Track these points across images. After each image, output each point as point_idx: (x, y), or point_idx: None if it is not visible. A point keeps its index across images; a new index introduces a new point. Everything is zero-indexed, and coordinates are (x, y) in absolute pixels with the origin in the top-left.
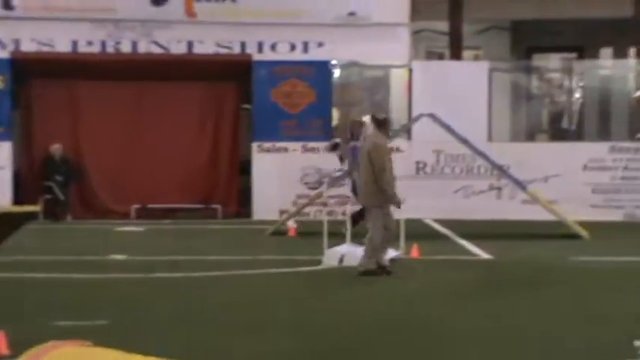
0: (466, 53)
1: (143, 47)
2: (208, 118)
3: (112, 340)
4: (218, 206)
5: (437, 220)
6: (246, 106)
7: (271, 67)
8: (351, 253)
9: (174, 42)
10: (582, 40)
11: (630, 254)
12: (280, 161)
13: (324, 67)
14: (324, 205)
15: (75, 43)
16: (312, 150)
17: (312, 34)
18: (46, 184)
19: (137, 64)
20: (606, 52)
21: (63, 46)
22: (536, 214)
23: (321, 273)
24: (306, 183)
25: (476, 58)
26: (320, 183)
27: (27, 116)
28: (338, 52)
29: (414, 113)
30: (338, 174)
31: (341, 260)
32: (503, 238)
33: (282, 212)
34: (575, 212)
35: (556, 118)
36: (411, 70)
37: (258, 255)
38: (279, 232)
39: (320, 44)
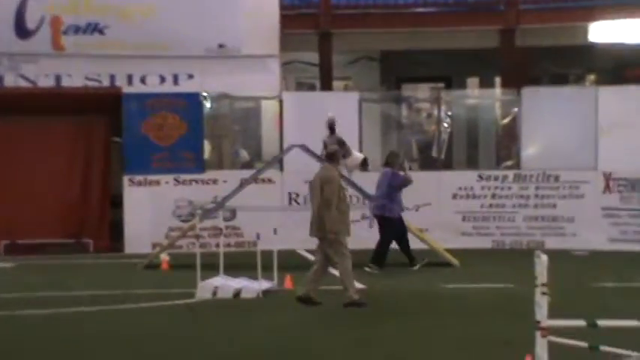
0: (336, 84)
1: (10, 81)
2: (78, 152)
3: None
4: (89, 241)
5: (309, 251)
6: (117, 139)
7: (141, 100)
8: (224, 285)
9: (42, 76)
10: (449, 70)
11: (499, 281)
12: (152, 194)
13: (194, 99)
14: (197, 237)
15: None
16: (184, 182)
17: (182, 66)
18: None
19: (4, 98)
20: (473, 81)
21: None
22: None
23: (195, 306)
24: (178, 216)
25: (346, 88)
26: (192, 215)
27: None
28: (208, 84)
29: (285, 144)
30: (210, 206)
31: (214, 293)
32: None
33: (154, 245)
34: (446, 240)
35: (425, 147)
36: (281, 101)
37: (130, 289)
38: (152, 266)
39: (190, 76)
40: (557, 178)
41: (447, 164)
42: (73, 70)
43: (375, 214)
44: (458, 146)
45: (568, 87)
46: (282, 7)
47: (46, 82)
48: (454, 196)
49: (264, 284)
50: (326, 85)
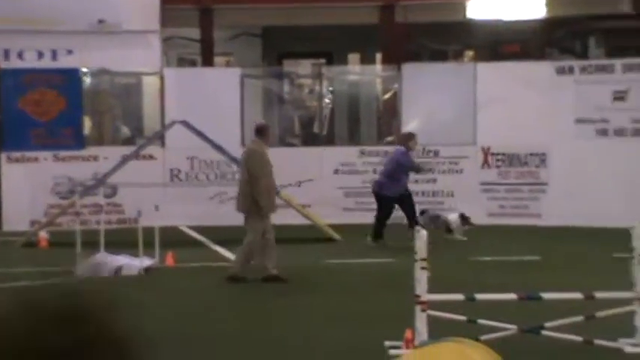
0: (218, 60)
1: None
2: None
3: None
4: None
5: (192, 227)
6: None
7: (19, 76)
8: (105, 262)
9: None
10: (330, 46)
11: (381, 256)
12: (30, 171)
13: (73, 74)
14: (77, 214)
15: None
16: (64, 159)
17: (61, 41)
18: None
19: None
20: (354, 57)
21: None
22: (290, 218)
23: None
24: (57, 193)
25: (227, 64)
26: (72, 192)
27: None
28: (88, 60)
29: (167, 120)
30: (90, 183)
31: (95, 270)
32: None
33: (33, 223)
34: (329, 216)
35: (307, 123)
36: (162, 77)
37: (8, 268)
38: (30, 244)
39: (69, 52)
40: (436, 153)
41: (329, 140)
42: None
43: (373, 191)
44: (339, 122)
45: (447, 63)
46: None
47: None
48: (336, 172)
49: (146, 261)
50: (207, 61)
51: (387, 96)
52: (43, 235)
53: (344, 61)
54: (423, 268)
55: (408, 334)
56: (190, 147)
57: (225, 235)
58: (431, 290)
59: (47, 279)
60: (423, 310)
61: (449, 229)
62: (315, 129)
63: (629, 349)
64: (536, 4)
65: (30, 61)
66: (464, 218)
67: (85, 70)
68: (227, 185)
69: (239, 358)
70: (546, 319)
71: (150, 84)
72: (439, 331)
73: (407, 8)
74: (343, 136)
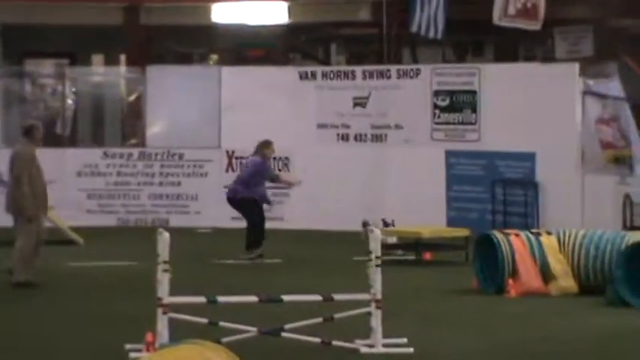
0: None
1: None
2: None
3: None
4: None
5: None
6: None
7: None
8: None
9: None
10: (74, 46)
11: (123, 259)
12: None
13: None
14: None
15: None
16: None
17: None
18: None
19: None
20: (98, 58)
21: None
22: None
23: None
24: None
25: None
26: None
27: None
28: None
29: None
30: None
31: None
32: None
33: None
34: (71, 218)
35: (50, 123)
36: None
37: None
38: None
39: None
40: (181, 157)
41: (72, 141)
42: None
43: (228, 198)
44: (83, 123)
45: (192, 66)
46: None
47: None
48: (79, 174)
49: None
50: None
51: (131, 98)
52: None
53: (88, 62)
54: (165, 270)
55: (148, 336)
56: None
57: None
58: (173, 293)
59: None
60: (165, 313)
61: None
62: (58, 130)
63: (364, 350)
64: (279, 10)
65: None
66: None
67: None
68: None
69: None
70: (286, 321)
71: None
72: (181, 333)
73: (151, 10)
74: (86, 138)
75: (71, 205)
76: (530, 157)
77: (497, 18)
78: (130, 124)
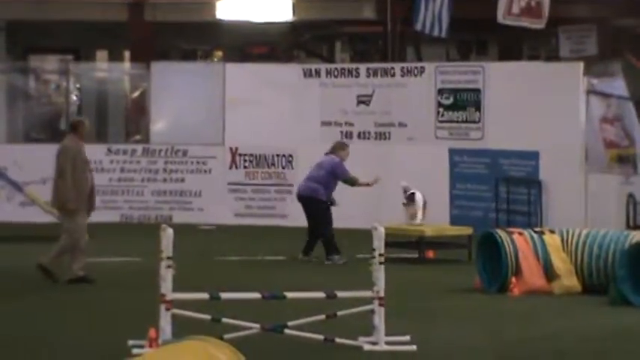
0: None
1: None
2: None
3: None
4: None
5: None
6: None
7: None
8: None
9: None
10: (78, 42)
11: (127, 255)
12: None
13: None
14: None
15: None
16: None
17: None
18: None
19: None
20: (102, 54)
21: None
22: (35, 216)
23: None
24: None
25: None
26: None
27: None
28: None
29: None
30: None
31: None
32: (1, 241)
33: None
34: None
35: (54, 119)
36: None
37: None
38: None
39: None
40: (185, 153)
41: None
42: None
43: (302, 195)
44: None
45: (196, 63)
46: None
47: None
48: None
49: None
50: None
51: (135, 94)
52: None
53: (92, 58)
54: (168, 266)
55: (151, 332)
56: None
57: None
58: (176, 289)
59: None
60: (168, 309)
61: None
62: (62, 126)
63: (367, 347)
64: (284, 7)
65: None
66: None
67: None
68: None
69: None
70: (290, 318)
71: None
72: (184, 330)
73: (156, 7)
74: (90, 134)
75: None
76: (533, 156)
77: (501, 16)
78: (134, 120)
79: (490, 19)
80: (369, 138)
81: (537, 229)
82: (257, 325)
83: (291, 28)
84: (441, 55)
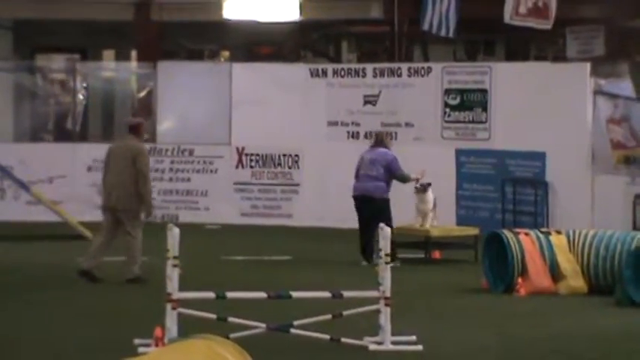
0: None
1: None
2: None
3: None
4: None
5: None
6: None
7: None
8: None
9: None
10: (85, 41)
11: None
12: None
13: None
14: None
15: None
16: None
17: None
18: None
19: None
20: (109, 54)
21: None
22: (41, 215)
23: None
24: None
25: None
26: None
27: None
28: None
29: None
30: None
31: None
32: (7, 239)
33: None
34: (81, 213)
35: (61, 118)
36: None
37: None
38: None
39: None
40: (191, 153)
41: (83, 136)
42: None
43: (360, 195)
44: (93, 118)
45: (203, 62)
46: None
47: None
48: (89, 169)
49: None
50: None
51: (142, 94)
52: None
53: (99, 57)
54: (174, 265)
55: (157, 331)
56: None
57: None
58: (182, 288)
59: None
60: (174, 308)
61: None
62: (69, 125)
63: (372, 347)
64: (291, 7)
65: None
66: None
67: None
68: None
69: None
70: (295, 318)
71: None
72: (190, 329)
73: (162, 6)
74: (97, 133)
75: (81, 200)
76: (540, 157)
77: (508, 17)
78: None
79: (497, 20)
80: None
81: (544, 230)
82: (263, 325)
83: (298, 27)
84: (448, 55)
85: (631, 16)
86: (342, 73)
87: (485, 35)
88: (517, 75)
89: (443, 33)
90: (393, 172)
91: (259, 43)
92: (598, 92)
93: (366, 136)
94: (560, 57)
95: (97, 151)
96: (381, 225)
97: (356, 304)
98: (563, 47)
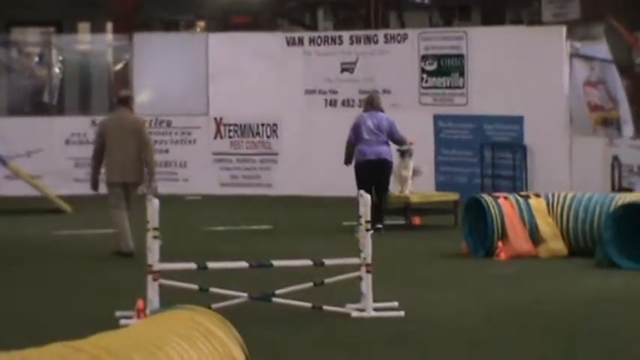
0: None
1: None
2: None
3: None
4: None
5: None
6: None
7: None
8: None
9: None
10: (60, 14)
11: (109, 226)
12: None
13: None
14: None
15: None
16: None
17: None
18: None
19: None
20: (84, 26)
21: None
22: (19, 189)
23: None
24: None
25: None
26: None
27: None
28: None
29: None
30: None
31: None
32: None
33: None
34: (58, 186)
35: (37, 92)
36: None
37: None
38: None
39: None
40: (169, 124)
41: (59, 110)
42: None
43: (375, 160)
44: (70, 92)
45: (179, 33)
46: None
47: None
48: (67, 142)
49: None
50: None
51: (118, 66)
52: None
53: (74, 30)
54: (155, 237)
55: (139, 303)
56: None
57: None
58: (163, 260)
59: None
60: (155, 280)
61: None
62: (45, 98)
63: (355, 314)
64: None
65: None
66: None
67: None
68: None
69: None
70: (277, 287)
71: None
72: (171, 300)
73: None
74: (74, 106)
75: (59, 173)
76: (518, 121)
77: None
78: (118, 92)
79: None
80: (353, 106)
81: (523, 194)
82: (245, 294)
83: None
84: (424, 21)
85: None
86: (319, 41)
87: (460, 0)
88: (493, 40)
89: None
90: (393, 135)
91: (235, 13)
92: (574, 55)
93: (343, 104)
94: (535, 21)
95: (75, 124)
96: (360, 192)
97: (337, 271)
98: (538, 11)
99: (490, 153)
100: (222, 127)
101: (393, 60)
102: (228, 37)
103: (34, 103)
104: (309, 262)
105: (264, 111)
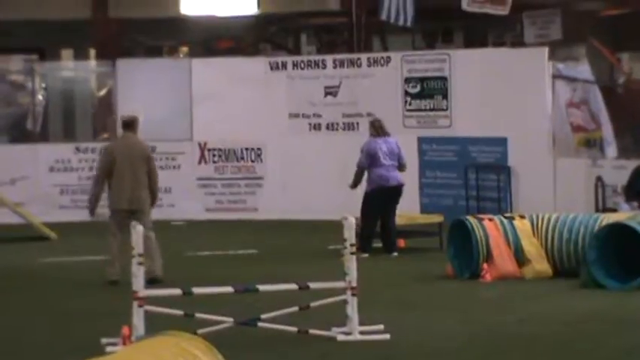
0: None
1: None
2: None
3: None
4: None
5: None
6: None
7: None
8: None
9: None
10: (42, 41)
11: (97, 253)
12: None
13: None
14: None
15: None
16: None
17: None
18: None
19: None
20: (67, 53)
21: None
22: (3, 217)
23: None
24: None
25: None
26: None
27: None
28: None
29: None
30: None
31: None
32: None
33: None
34: (44, 213)
35: (20, 120)
36: None
37: None
38: None
39: None
40: (153, 150)
41: (43, 137)
42: None
43: (395, 185)
44: (54, 119)
45: (162, 59)
46: None
47: None
48: (51, 169)
49: None
50: None
51: (102, 92)
52: None
53: (57, 57)
54: (139, 263)
55: (125, 330)
56: None
57: None
58: (148, 286)
59: None
60: (140, 306)
61: None
62: (29, 126)
63: (341, 337)
64: (249, 0)
65: None
66: None
67: None
68: None
69: None
70: (263, 311)
71: None
72: (157, 326)
73: (120, 3)
74: (58, 133)
75: (44, 200)
76: (502, 142)
77: (465, 4)
78: (102, 118)
79: (455, 7)
80: (337, 129)
81: (507, 215)
82: (230, 319)
83: (256, 21)
84: (407, 44)
85: None
86: (302, 65)
87: (443, 23)
88: (476, 61)
89: (401, 22)
90: (401, 160)
91: (218, 38)
92: (557, 76)
93: (327, 128)
94: (518, 42)
95: (59, 151)
96: (345, 216)
97: (323, 295)
98: (520, 32)
99: (474, 175)
100: (206, 152)
101: (376, 83)
102: (211, 62)
103: (18, 130)
104: (294, 286)
105: (249, 135)
